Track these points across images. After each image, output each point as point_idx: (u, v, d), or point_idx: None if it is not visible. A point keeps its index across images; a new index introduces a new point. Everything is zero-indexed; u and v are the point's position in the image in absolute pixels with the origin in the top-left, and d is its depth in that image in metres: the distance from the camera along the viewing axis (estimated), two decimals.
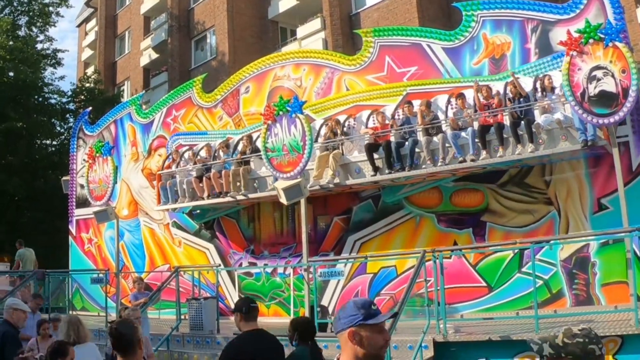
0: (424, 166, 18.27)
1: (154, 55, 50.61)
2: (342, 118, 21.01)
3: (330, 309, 19.76)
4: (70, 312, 24.16)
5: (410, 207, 19.91)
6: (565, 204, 17.43)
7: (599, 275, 16.58)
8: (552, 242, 16.60)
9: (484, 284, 18.24)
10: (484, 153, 17.28)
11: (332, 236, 21.43)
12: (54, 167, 42.27)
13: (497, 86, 18.18)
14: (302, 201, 18.15)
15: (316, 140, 20.25)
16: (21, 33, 45.72)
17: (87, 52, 61.41)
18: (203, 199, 22.54)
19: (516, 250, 17.33)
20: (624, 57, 14.52)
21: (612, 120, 14.72)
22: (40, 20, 46.38)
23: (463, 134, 17.79)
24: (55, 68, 47.00)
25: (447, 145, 17.83)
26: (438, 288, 14.59)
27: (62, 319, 9.85)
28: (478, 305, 18.02)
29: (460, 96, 18.39)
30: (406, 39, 20.46)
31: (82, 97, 46.96)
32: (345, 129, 20.65)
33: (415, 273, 14.81)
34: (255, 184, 21.54)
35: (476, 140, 17.38)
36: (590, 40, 14.87)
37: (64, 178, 30.53)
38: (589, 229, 17.02)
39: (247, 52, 41.11)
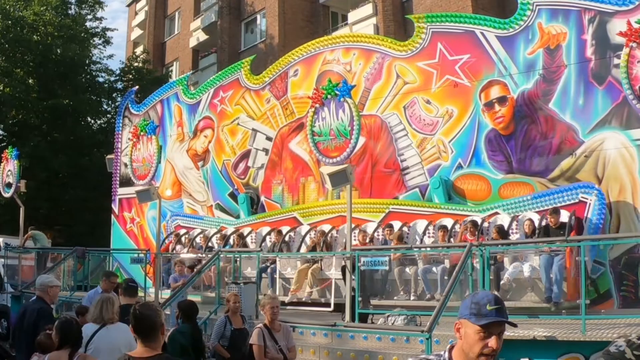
0: (395, 297, 18.21)
1: (204, 37, 50.53)
2: (326, 228, 21.30)
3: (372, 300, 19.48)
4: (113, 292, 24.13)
5: (457, 198, 19.55)
6: (617, 202, 16.97)
7: None
8: (602, 241, 16.20)
9: None
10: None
11: None
12: (99, 145, 42.33)
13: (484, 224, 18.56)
14: (348, 187, 17.85)
15: (298, 250, 21.22)
16: (71, 12, 45.84)
17: (137, 32, 61.45)
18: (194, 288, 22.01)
19: (564, 247, 16.91)
20: None
21: None
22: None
23: (434, 269, 17.80)
24: (104, 46, 47.17)
25: (418, 278, 17.96)
26: (484, 282, 14.26)
27: (97, 297, 9.68)
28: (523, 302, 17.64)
29: (442, 228, 18.65)
30: (459, 26, 20.11)
31: (130, 76, 47.01)
32: (329, 240, 21.01)
33: (461, 266, 14.46)
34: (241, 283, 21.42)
35: (445, 277, 17.10)
36: None
37: (109, 156, 30.51)
38: None
39: (297, 36, 40.80)
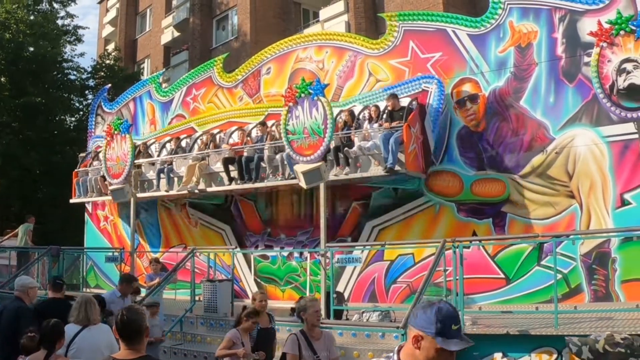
0: (266, 180, 21.30)
1: (175, 34, 50.58)
2: (216, 132, 24.47)
3: (346, 295, 19.62)
4: (85, 290, 24.25)
5: (429, 195, 19.73)
6: (588, 198, 17.20)
7: (619, 271, 16.35)
8: (572, 236, 16.45)
9: (502, 276, 18.06)
10: None
11: (350, 221, 21.31)
12: (71, 143, 42.26)
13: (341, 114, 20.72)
14: (322, 185, 18.00)
15: (190, 150, 24.16)
16: (42, 8, 45.62)
17: (108, 29, 61.33)
18: (106, 194, 25.25)
19: (536, 243, 17.14)
20: None
21: None
22: None
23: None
24: (75, 44, 46.95)
25: (285, 163, 20.47)
26: (457, 278, 14.43)
27: (77, 298, 9.72)
28: (495, 297, 17.86)
29: None
30: (431, 24, 20.21)
31: (102, 73, 46.90)
32: (217, 140, 23.90)
33: (435, 262, 14.64)
34: (145, 185, 24.72)
35: None
36: (621, 32, 14.60)
37: (81, 154, 30.45)
38: (611, 224, 16.79)
39: (269, 33, 40.96)
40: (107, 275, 27.25)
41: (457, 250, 14.54)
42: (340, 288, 19.75)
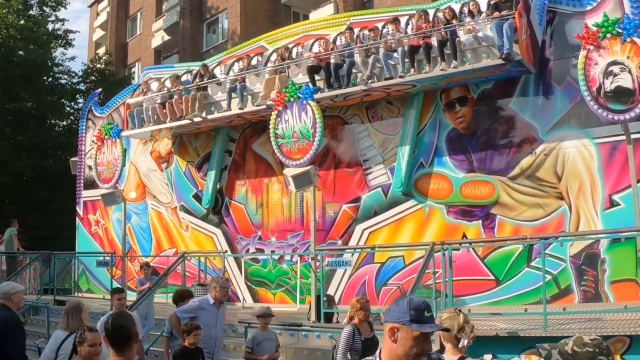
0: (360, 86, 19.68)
1: (166, 37, 50.45)
2: (292, 46, 22.88)
3: (336, 298, 19.63)
4: (77, 295, 24.24)
5: (419, 198, 19.77)
6: (577, 199, 17.27)
7: (609, 272, 16.42)
8: (561, 238, 16.52)
9: (492, 277, 18.11)
10: (412, 71, 18.66)
11: (341, 224, 21.31)
12: (62, 148, 42.18)
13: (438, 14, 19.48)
14: (311, 189, 18.02)
15: (266, 64, 22.55)
16: (33, 12, 45.47)
17: (99, 33, 61.17)
18: (165, 122, 23.90)
19: (525, 245, 17.19)
20: None
21: (627, 116, 14.52)
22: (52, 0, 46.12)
23: (395, 54, 19.01)
24: (65, 49, 46.80)
25: (379, 65, 19.32)
26: (446, 280, 14.48)
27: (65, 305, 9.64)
28: (485, 298, 17.89)
29: (395, 21, 20.05)
30: None
31: (93, 77, 46.82)
32: (294, 56, 22.40)
33: (424, 265, 14.68)
34: (212, 108, 23.12)
35: (406, 60, 18.76)
36: (608, 35, 14.65)
37: (72, 159, 30.44)
38: (600, 225, 16.88)
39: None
40: (99, 280, 27.24)
41: (446, 252, 14.60)
42: (331, 291, 19.78)
